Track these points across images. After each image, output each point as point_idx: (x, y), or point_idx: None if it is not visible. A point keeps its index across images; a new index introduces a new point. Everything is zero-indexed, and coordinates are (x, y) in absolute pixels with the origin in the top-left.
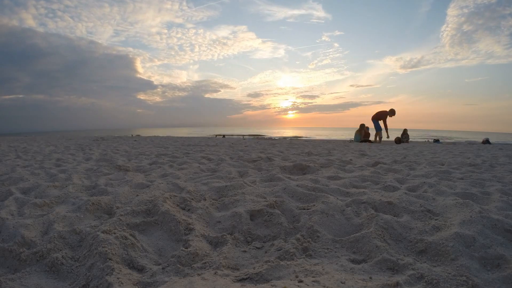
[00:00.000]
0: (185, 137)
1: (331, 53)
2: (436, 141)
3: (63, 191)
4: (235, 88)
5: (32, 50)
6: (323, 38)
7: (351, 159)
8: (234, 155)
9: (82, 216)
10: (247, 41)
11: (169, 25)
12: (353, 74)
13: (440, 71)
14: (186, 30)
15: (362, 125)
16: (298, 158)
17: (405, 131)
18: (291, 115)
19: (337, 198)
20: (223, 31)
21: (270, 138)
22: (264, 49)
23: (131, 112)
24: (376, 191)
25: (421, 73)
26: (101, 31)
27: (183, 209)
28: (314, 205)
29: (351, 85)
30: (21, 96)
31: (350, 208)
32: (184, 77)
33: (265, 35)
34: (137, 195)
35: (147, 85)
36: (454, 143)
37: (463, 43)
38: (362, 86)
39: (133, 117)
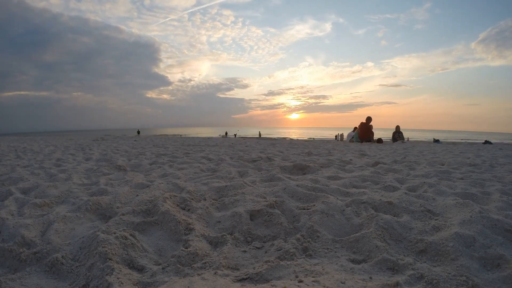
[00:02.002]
0: (185, 137)
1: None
2: (436, 141)
3: (63, 191)
4: (251, 86)
5: (40, 35)
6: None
7: (351, 159)
8: (234, 155)
9: (82, 216)
10: (292, 33)
11: (205, 10)
12: (393, 69)
13: (474, 72)
14: (224, 17)
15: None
16: (298, 158)
17: (397, 128)
18: (295, 115)
19: (337, 198)
20: (266, 21)
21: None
22: (306, 24)
23: (138, 111)
24: (376, 191)
25: (453, 73)
26: (123, 15)
27: (183, 209)
28: (314, 205)
29: (377, 85)
30: (23, 93)
31: (350, 208)
32: (204, 72)
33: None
34: (137, 195)
35: (162, 82)
36: (454, 143)
37: (500, 46)
38: (385, 85)
39: (140, 116)
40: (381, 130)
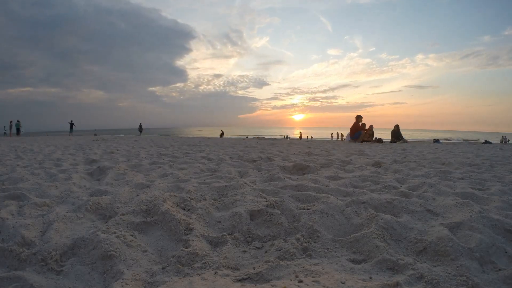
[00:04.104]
0: (185, 137)
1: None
2: (436, 141)
3: (63, 191)
4: (274, 84)
5: (53, 9)
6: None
7: (351, 159)
8: (234, 155)
9: (82, 216)
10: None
11: None
12: (435, 66)
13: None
14: (276, 4)
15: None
16: (298, 158)
17: (396, 128)
18: (301, 115)
19: (337, 198)
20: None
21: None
22: None
23: (146, 110)
24: (376, 191)
25: (486, 74)
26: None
27: (183, 209)
28: (314, 205)
29: (404, 85)
30: (28, 89)
31: (350, 208)
32: (228, 68)
33: None
34: (137, 195)
35: (180, 78)
36: (454, 143)
37: None
38: (410, 86)
39: (146, 116)
40: (384, 131)
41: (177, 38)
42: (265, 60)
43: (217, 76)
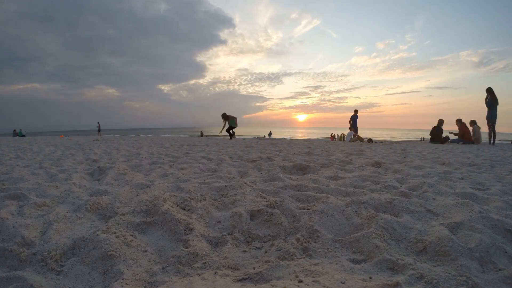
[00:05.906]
0: (185, 137)
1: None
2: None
3: (63, 191)
4: (285, 84)
5: None
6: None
7: (351, 159)
8: (234, 155)
9: (82, 216)
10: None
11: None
12: (462, 66)
13: None
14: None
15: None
16: (298, 158)
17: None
18: (305, 116)
19: (337, 198)
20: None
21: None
22: None
23: (151, 110)
24: (376, 191)
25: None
26: None
27: (183, 209)
28: (314, 205)
29: (425, 87)
30: (36, 85)
31: (350, 208)
32: (249, 65)
33: None
34: (137, 195)
35: (197, 75)
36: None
37: None
38: (432, 88)
39: (148, 115)
40: (385, 131)
41: (213, 28)
42: (298, 56)
43: (239, 72)
